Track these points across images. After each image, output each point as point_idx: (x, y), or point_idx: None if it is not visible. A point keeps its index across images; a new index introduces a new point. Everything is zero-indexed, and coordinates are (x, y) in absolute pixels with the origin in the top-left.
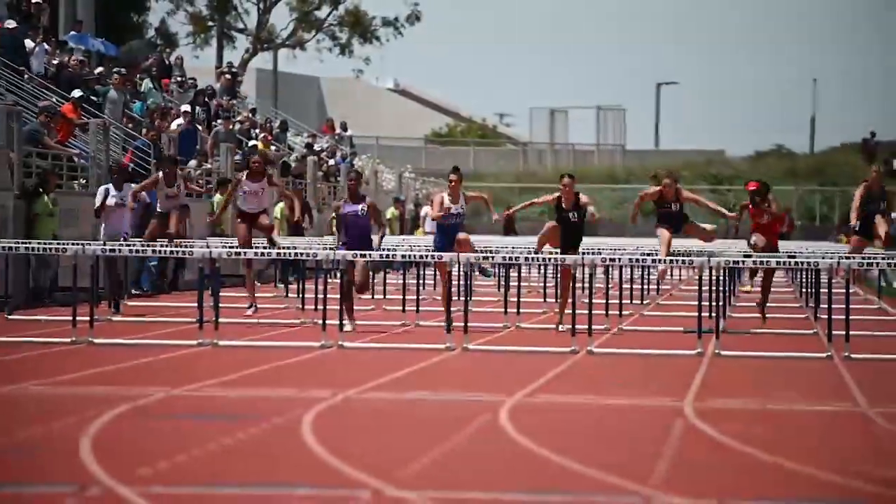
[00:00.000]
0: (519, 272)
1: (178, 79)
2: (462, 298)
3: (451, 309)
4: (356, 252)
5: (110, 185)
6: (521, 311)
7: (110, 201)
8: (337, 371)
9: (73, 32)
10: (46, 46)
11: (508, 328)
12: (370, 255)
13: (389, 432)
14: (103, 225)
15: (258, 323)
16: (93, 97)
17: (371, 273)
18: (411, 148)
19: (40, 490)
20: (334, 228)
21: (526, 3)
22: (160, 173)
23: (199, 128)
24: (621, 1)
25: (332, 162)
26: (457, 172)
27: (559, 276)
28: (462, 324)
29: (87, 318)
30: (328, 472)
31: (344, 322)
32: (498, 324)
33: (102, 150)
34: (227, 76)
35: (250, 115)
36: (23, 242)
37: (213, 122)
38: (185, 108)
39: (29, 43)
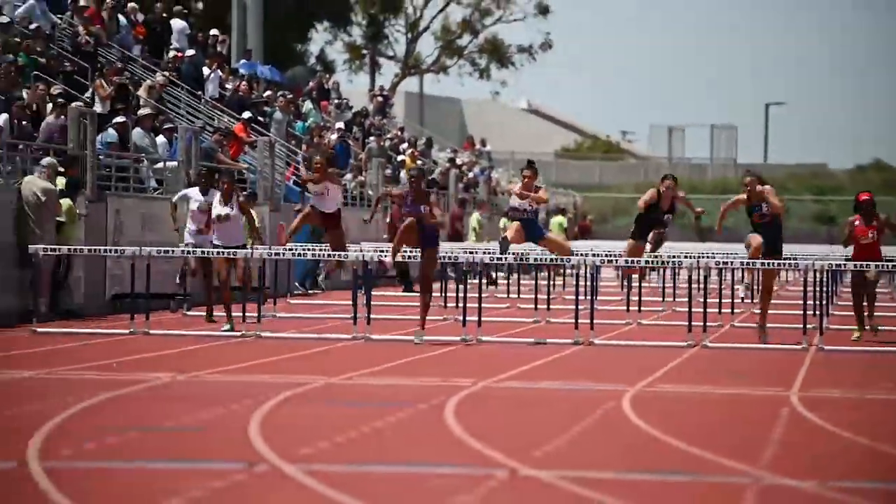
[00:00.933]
0: (641, 275)
1: (336, 101)
2: (588, 297)
3: (580, 307)
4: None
5: (194, 190)
6: (642, 309)
7: (193, 206)
8: (476, 363)
9: (243, 60)
10: (220, 73)
11: (630, 325)
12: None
13: (523, 418)
14: (188, 229)
15: (405, 319)
16: (260, 118)
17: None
18: (543, 162)
19: (214, 466)
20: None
21: (646, 32)
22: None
23: (352, 143)
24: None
25: (471, 174)
26: (531, 167)
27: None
28: (588, 321)
29: (255, 315)
30: (469, 452)
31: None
32: (621, 321)
33: (268, 164)
34: (379, 98)
35: (399, 132)
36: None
37: (366, 140)
38: (340, 125)
39: (205, 70)
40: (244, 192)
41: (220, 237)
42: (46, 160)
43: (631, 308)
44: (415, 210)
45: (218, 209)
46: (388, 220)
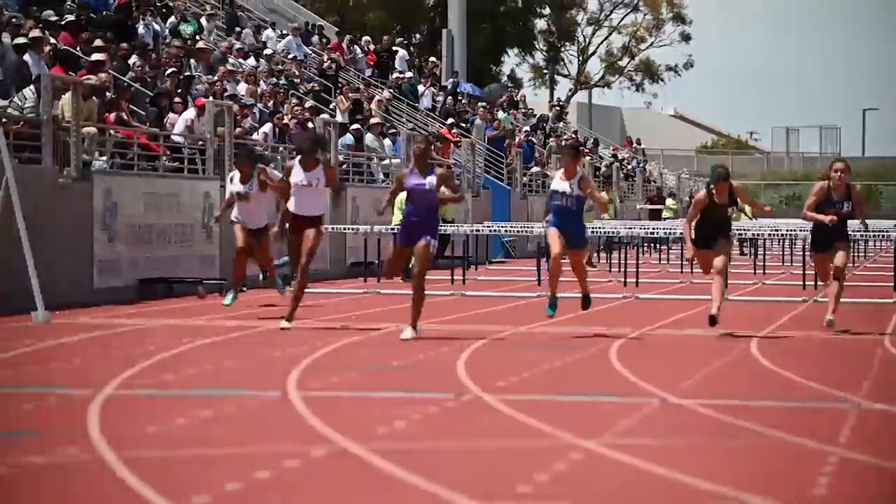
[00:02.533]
0: (765, 244)
1: (523, 110)
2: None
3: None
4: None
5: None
6: (767, 271)
7: (237, 187)
8: (634, 315)
9: (451, 79)
10: (433, 89)
11: (756, 284)
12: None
13: (671, 358)
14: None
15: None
16: (462, 124)
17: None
18: (686, 157)
19: (427, 395)
20: (388, 204)
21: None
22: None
23: (536, 143)
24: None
25: (629, 167)
26: (571, 150)
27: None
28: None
29: (461, 277)
30: (629, 385)
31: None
32: (749, 281)
33: (471, 160)
34: (556, 108)
35: (573, 135)
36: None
37: (547, 140)
38: (526, 128)
39: (420, 87)
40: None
41: (240, 217)
42: None
43: (757, 271)
44: (418, 186)
45: (236, 187)
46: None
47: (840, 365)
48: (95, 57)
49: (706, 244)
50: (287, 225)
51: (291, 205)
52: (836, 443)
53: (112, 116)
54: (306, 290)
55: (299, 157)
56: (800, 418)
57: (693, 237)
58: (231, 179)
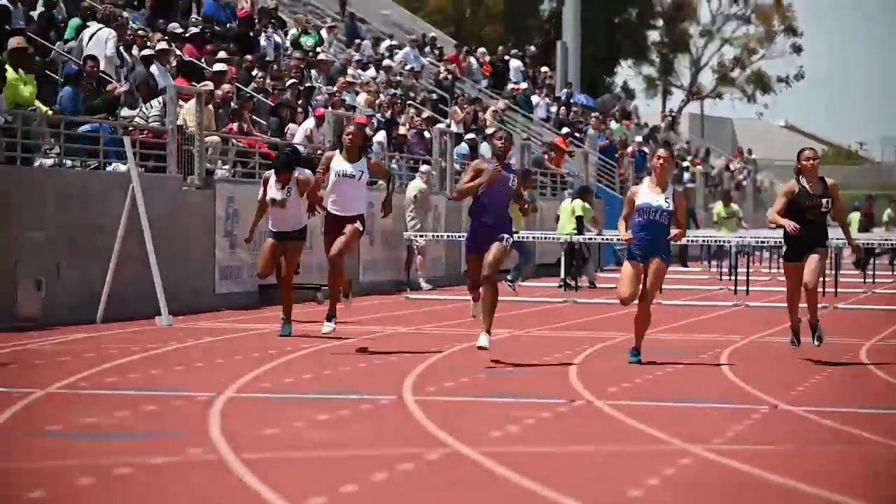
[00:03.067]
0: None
1: (635, 120)
2: (833, 272)
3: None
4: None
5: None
6: (877, 280)
7: (274, 193)
8: (744, 323)
9: (565, 90)
10: (547, 100)
11: (866, 293)
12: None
13: (780, 366)
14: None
15: (688, 290)
16: (576, 135)
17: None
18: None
19: (542, 401)
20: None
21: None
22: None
23: (647, 152)
24: None
25: (740, 177)
26: (667, 148)
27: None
28: (833, 290)
29: (573, 284)
30: (739, 392)
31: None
32: (859, 290)
33: (584, 169)
34: (669, 118)
35: (685, 145)
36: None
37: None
38: (639, 138)
39: (535, 98)
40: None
41: (274, 223)
42: (424, 167)
43: (867, 280)
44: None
45: (272, 193)
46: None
47: None
48: (218, 67)
49: (798, 255)
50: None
51: (328, 202)
52: None
53: (234, 126)
54: (420, 297)
55: (346, 138)
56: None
57: (784, 248)
58: (266, 182)
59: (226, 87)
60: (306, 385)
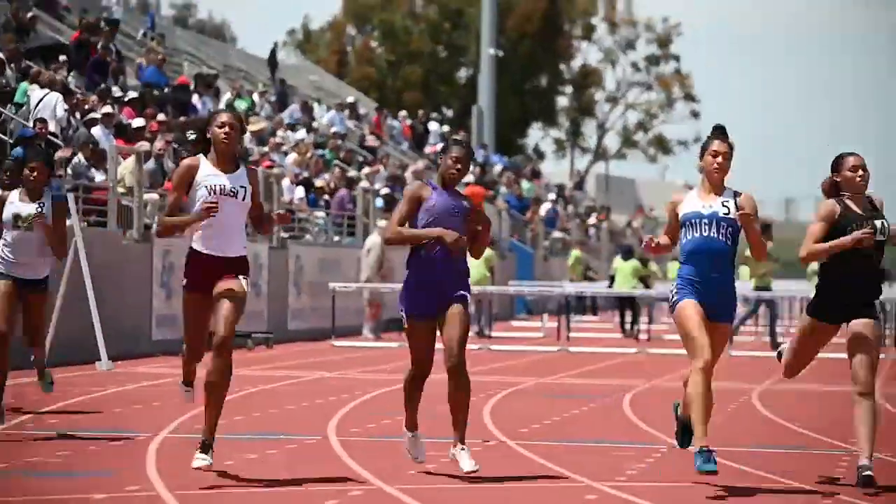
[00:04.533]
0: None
1: (546, 180)
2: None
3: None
4: None
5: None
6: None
7: (19, 207)
8: (645, 368)
9: (480, 151)
10: None
11: (757, 339)
12: None
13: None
14: None
15: (597, 337)
16: (492, 191)
17: None
18: None
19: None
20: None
21: (770, 125)
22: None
23: (558, 211)
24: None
25: (641, 230)
26: (724, 137)
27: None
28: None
29: (487, 333)
30: (640, 433)
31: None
32: (750, 337)
33: (497, 225)
34: (577, 178)
35: (591, 202)
36: None
37: (566, 207)
38: (551, 195)
39: None
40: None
41: (8, 258)
42: (382, 222)
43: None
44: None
45: (17, 207)
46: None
47: (836, 415)
48: (137, 124)
49: (834, 313)
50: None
51: (193, 235)
52: (829, 487)
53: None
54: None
55: (219, 133)
56: (801, 463)
57: (812, 301)
58: (9, 198)
59: (158, 144)
60: (237, 426)
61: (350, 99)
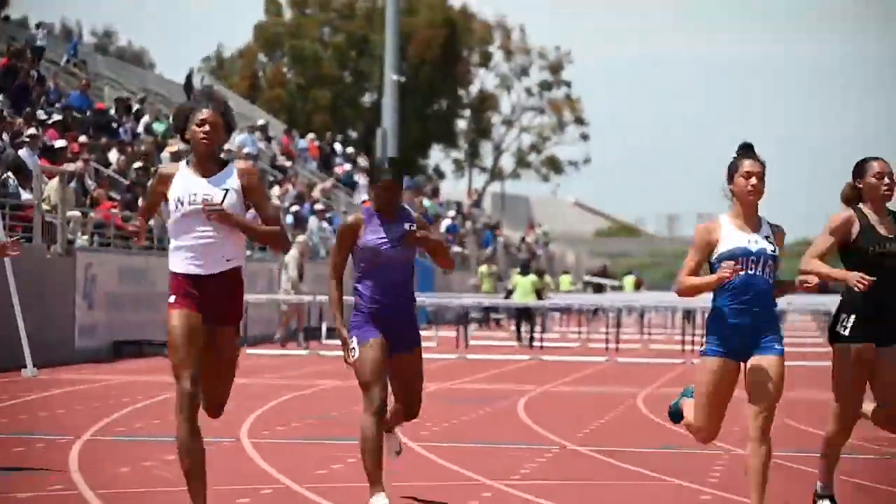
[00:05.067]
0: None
1: (445, 198)
2: (616, 330)
3: (609, 336)
4: None
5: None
6: (653, 335)
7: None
8: (538, 374)
9: None
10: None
11: (641, 347)
12: None
13: (569, 411)
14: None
15: (493, 345)
16: None
17: None
18: (584, 239)
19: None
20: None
21: (655, 146)
22: None
23: (458, 225)
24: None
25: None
26: (755, 157)
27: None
28: (615, 345)
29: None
30: (533, 434)
31: None
32: (636, 345)
33: None
34: (475, 196)
35: (487, 218)
36: None
37: (464, 222)
38: (451, 213)
39: (358, 178)
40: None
41: None
42: (301, 237)
43: (643, 335)
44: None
45: None
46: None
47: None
48: (59, 144)
49: (870, 332)
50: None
51: (173, 251)
52: (707, 483)
53: (88, 201)
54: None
55: (198, 133)
56: (678, 462)
57: (839, 322)
58: None
59: (79, 164)
60: (155, 429)
61: (261, 121)
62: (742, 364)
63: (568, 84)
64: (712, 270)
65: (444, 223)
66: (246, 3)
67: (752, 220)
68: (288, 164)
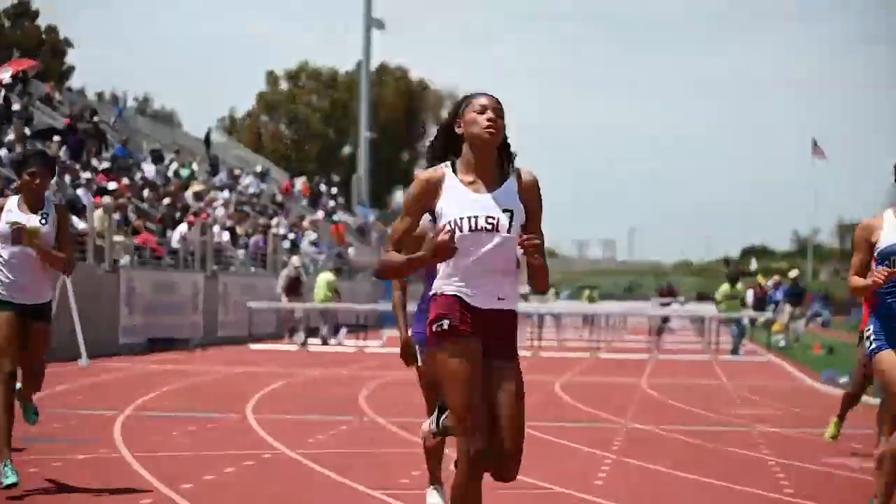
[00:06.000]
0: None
1: None
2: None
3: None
4: None
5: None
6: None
7: (17, 216)
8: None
9: (359, 207)
10: (347, 213)
11: (556, 344)
12: None
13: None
14: None
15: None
16: (364, 235)
17: None
18: None
19: (335, 418)
20: None
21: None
22: None
23: None
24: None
25: None
26: None
27: None
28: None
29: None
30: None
31: None
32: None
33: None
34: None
35: None
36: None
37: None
38: None
39: (340, 213)
40: None
41: (9, 283)
42: (295, 258)
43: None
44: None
45: (16, 215)
46: None
47: (609, 398)
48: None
49: None
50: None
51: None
52: (610, 450)
53: (130, 230)
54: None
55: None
56: (585, 434)
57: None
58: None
59: (122, 200)
60: (181, 407)
61: (259, 168)
62: None
63: None
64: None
65: None
66: (251, 76)
67: None
68: (284, 201)
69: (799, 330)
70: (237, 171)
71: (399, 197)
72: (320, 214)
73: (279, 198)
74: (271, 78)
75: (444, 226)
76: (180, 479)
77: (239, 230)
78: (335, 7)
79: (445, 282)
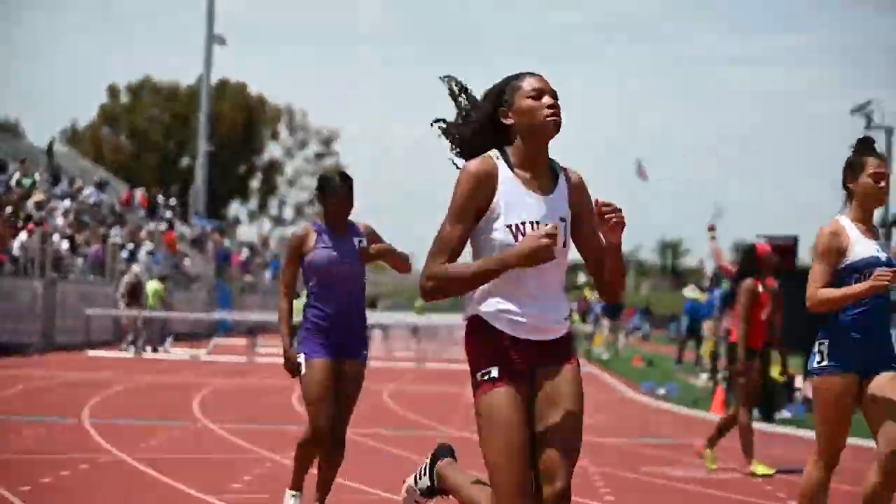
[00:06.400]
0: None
1: (239, 239)
2: None
3: None
4: None
5: None
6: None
7: None
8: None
9: (196, 216)
10: (187, 225)
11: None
12: None
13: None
14: None
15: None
16: (201, 244)
17: None
18: None
19: (167, 423)
20: None
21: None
22: None
23: (251, 260)
24: None
25: None
26: (879, 155)
27: None
28: None
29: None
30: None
31: None
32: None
33: (212, 269)
34: (263, 238)
35: (275, 255)
36: None
37: (255, 257)
38: (245, 250)
39: (178, 224)
40: None
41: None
42: (135, 266)
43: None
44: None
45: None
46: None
47: (438, 407)
48: None
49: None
50: None
51: None
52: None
53: None
54: None
55: None
56: (412, 442)
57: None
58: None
59: None
60: (18, 409)
61: (97, 178)
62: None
63: (336, 154)
64: (841, 283)
65: (243, 255)
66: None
67: (871, 225)
68: (123, 212)
69: (620, 343)
70: (78, 182)
71: (234, 209)
72: (159, 225)
73: (118, 208)
74: (113, 91)
75: (549, 223)
76: (18, 481)
77: (78, 239)
78: (179, 23)
79: (489, 304)
